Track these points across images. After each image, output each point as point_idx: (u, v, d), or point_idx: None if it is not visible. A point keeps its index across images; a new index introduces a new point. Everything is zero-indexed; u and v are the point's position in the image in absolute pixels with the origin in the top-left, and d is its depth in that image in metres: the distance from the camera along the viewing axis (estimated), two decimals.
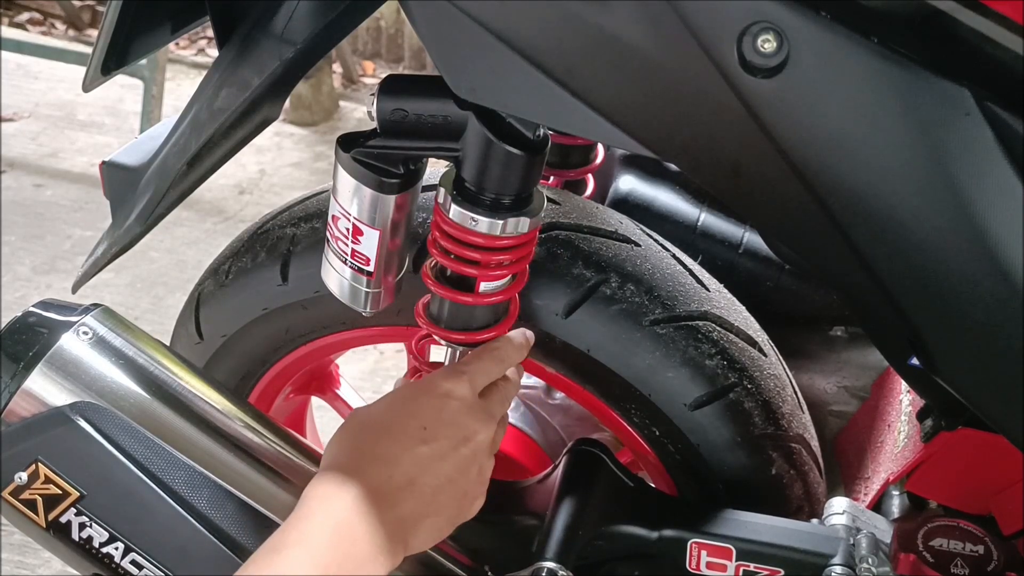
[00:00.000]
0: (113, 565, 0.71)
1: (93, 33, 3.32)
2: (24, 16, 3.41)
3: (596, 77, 0.58)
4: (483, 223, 0.70)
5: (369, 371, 1.93)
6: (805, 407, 0.94)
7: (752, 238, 1.20)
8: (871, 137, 0.55)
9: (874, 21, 0.54)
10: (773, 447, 0.88)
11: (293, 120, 2.89)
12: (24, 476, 0.70)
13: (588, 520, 0.85)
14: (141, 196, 0.81)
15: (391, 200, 0.71)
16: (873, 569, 0.82)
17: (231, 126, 0.71)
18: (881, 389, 1.22)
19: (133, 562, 0.71)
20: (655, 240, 0.90)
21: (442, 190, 0.71)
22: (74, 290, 0.88)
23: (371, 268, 0.75)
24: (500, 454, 1.11)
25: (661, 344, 0.84)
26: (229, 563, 0.72)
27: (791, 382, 0.93)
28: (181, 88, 3.02)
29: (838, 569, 0.81)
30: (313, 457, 0.80)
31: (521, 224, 0.70)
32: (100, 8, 3.39)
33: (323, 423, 1.31)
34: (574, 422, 1.18)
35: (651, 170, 1.23)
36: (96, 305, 0.77)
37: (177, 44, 3.28)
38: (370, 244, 0.73)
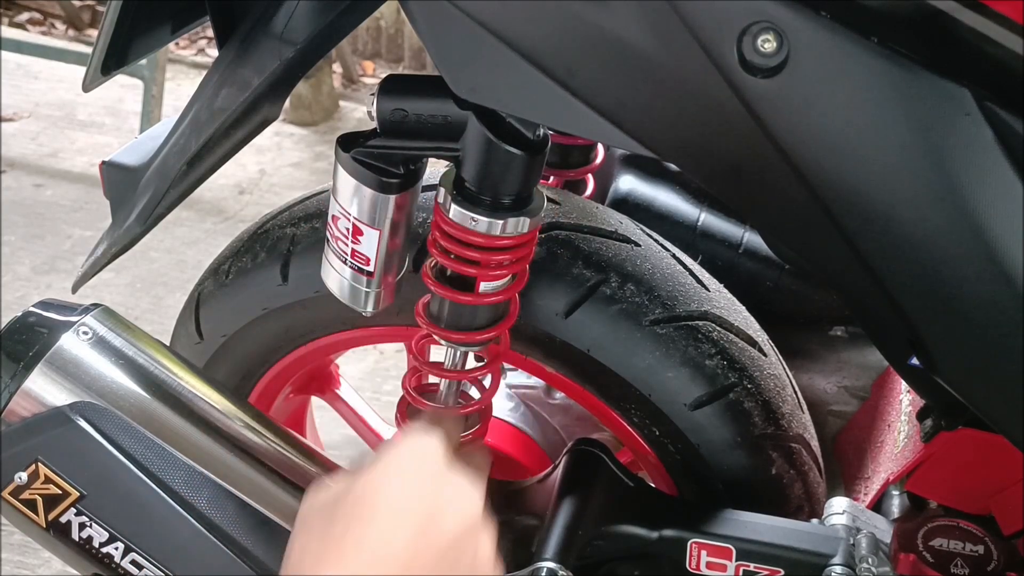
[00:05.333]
0: (113, 565, 0.71)
1: (93, 33, 3.32)
2: (24, 16, 3.41)
3: (596, 77, 0.58)
4: (483, 223, 0.70)
5: (369, 371, 1.93)
6: (805, 407, 0.94)
7: (752, 238, 1.20)
8: (871, 137, 0.55)
9: (874, 21, 0.54)
10: (773, 447, 0.88)
11: (293, 120, 2.89)
12: (24, 476, 0.70)
13: (588, 520, 0.85)
14: (141, 196, 0.81)
15: (391, 200, 0.71)
16: (873, 569, 0.82)
17: (231, 126, 0.71)
18: (881, 389, 1.22)
19: (133, 562, 0.71)
20: (655, 240, 0.90)
21: (442, 190, 0.71)
22: (74, 290, 0.88)
23: (371, 268, 0.75)
24: (500, 454, 1.12)
25: (661, 344, 0.84)
26: (229, 563, 0.72)
27: (791, 382, 0.93)
28: (181, 88, 3.02)
29: (838, 569, 0.81)
30: (313, 457, 0.80)
31: (521, 224, 0.70)
32: (100, 8, 3.39)
33: (323, 423, 1.31)
34: (574, 422, 1.18)
35: (651, 170, 1.23)
36: (96, 305, 0.77)
37: (177, 44, 3.28)
38: (370, 244, 0.73)
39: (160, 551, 0.71)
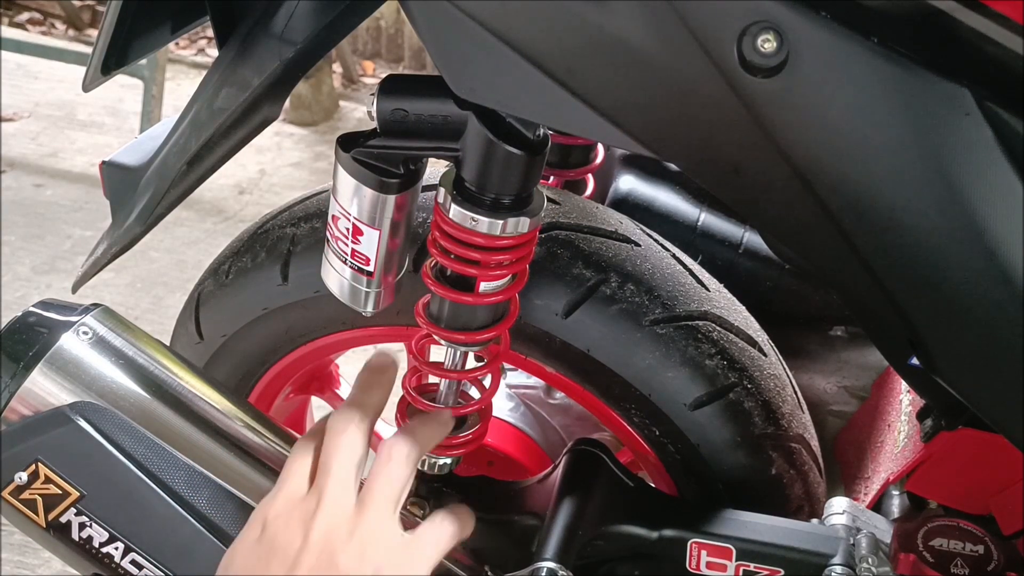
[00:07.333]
0: (113, 565, 0.71)
1: (93, 33, 3.33)
2: (24, 16, 3.41)
3: (596, 77, 0.58)
4: (483, 223, 0.70)
5: None
6: (805, 407, 0.94)
7: (752, 238, 1.20)
8: (871, 137, 0.55)
9: (874, 21, 0.54)
10: (773, 447, 0.88)
11: (293, 120, 2.89)
12: (24, 476, 0.70)
13: (588, 520, 0.85)
14: (141, 196, 0.81)
15: (391, 200, 0.71)
16: (873, 569, 0.82)
17: (231, 126, 0.71)
18: (881, 389, 1.22)
19: (133, 562, 0.71)
20: (655, 240, 0.90)
21: (442, 190, 0.71)
22: (74, 290, 0.88)
23: (371, 268, 0.75)
24: (500, 454, 1.12)
25: (661, 344, 0.84)
26: None
27: (791, 382, 0.93)
28: (181, 88, 3.02)
29: (838, 569, 0.81)
30: None
31: (521, 224, 0.70)
32: (100, 8, 3.39)
33: None
34: (574, 422, 1.18)
35: (651, 170, 1.23)
36: (96, 305, 0.77)
37: (177, 44, 3.28)
38: (370, 244, 0.73)
39: (160, 551, 0.71)
